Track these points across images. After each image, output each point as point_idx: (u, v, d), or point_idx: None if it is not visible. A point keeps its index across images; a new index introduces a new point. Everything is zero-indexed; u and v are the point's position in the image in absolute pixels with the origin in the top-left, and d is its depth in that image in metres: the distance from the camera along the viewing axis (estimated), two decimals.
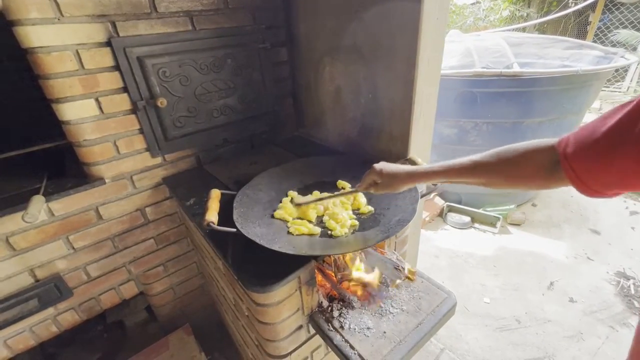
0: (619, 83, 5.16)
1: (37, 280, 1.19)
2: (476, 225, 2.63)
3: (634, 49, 4.61)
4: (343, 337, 0.89)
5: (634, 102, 0.45)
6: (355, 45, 1.20)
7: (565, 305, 1.90)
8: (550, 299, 1.94)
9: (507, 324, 1.81)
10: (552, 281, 2.05)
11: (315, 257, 0.89)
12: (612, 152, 0.47)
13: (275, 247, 0.80)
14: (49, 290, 1.21)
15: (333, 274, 1.02)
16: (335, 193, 1.01)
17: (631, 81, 4.94)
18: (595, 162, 0.49)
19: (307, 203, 1.01)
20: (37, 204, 0.99)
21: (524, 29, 5.15)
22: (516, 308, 1.90)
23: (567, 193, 2.97)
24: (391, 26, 1.04)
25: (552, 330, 1.75)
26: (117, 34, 1.09)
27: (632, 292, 1.93)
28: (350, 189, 0.97)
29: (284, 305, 0.88)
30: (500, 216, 2.54)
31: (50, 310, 1.25)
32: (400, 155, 1.17)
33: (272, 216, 1.01)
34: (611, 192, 0.51)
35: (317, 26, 1.36)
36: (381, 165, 0.85)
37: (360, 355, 0.84)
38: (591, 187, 0.51)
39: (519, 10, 5.61)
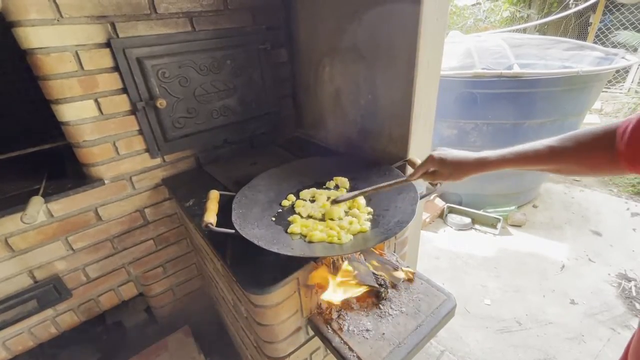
0: (620, 84, 5.15)
1: (36, 281, 1.19)
2: (477, 226, 2.62)
3: (635, 50, 4.60)
4: (342, 339, 0.89)
5: None
6: (355, 46, 1.19)
7: (566, 307, 1.89)
8: (551, 301, 1.93)
9: (507, 325, 1.80)
10: (553, 283, 2.04)
11: (314, 259, 0.89)
12: None
13: (274, 249, 0.79)
14: (48, 291, 1.21)
15: (332, 276, 1.01)
16: (380, 185, 0.92)
17: (632, 82, 4.93)
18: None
19: (347, 199, 0.96)
20: (36, 205, 0.99)
21: (524, 30, 5.14)
22: (517, 310, 1.89)
23: (568, 194, 2.96)
24: (391, 27, 1.04)
25: (553, 332, 1.74)
26: (117, 35, 1.09)
27: (634, 294, 1.92)
28: (399, 179, 0.89)
29: (283, 306, 0.88)
30: (501, 217, 2.53)
31: (49, 311, 1.25)
32: (400, 156, 1.17)
33: (276, 217, 1.01)
34: None
35: (317, 27, 1.36)
36: (441, 153, 0.79)
37: (359, 357, 0.84)
38: None
39: (519, 11, 5.61)
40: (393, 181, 0.91)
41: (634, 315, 1.80)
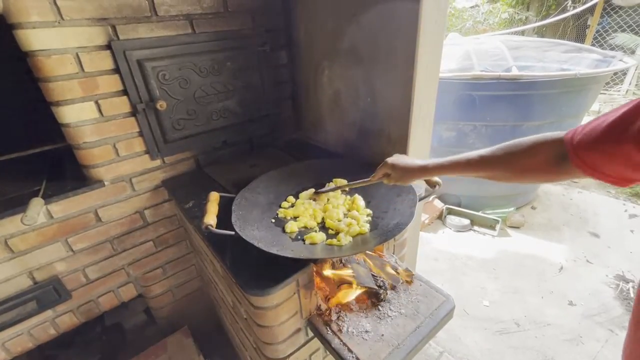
0: (618, 86, 5.18)
1: (35, 283, 1.19)
2: (475, 227, 2.62)
3: (633, 53, 4.63)
4: (341, 340, 0.89)
5: (636, 101, 0.48)
6: (354, 49, 1.20)
7: (564, 309, 1.89)
8: (549, 302, 1.94)
9: (506, 327, 1.81)
10: (551, 284, 2.05)
11: (314, 261, 0.89)
12: (614, 144, 0.50)
13: (274, 251, 0.80)
14: (48, 292, 1.21)
15: (331, 277, 1.02)
16: (352, 183, 1.04)
17: (630, 84, 4.95)
18: (602, 151, 0.52)
19: (327, 191, 1.08)
20: (36, 206, 0.99)
21: (523, 32, 5.17)
22: (515, 311, 1.89)
23: (567, 196, 2.97)
24: (390, 30, 1.04)
25: (552, 334, 1.75)
26: (117, 37, 1.10)
27: (632, 295, 1.93)
28: (364, 180, 1.00)
29: (282, 308, 0.88)
30: (500, 219, 2.54)
31: (49, 313, 1.25)
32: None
33: (276, 219, 1.02)
34: (622, 179, 0.53)
35: (316, 29, 1.36)
36: (394, 159, 0.89)
37: (358, 359, 0.84)
38: (603, 172, 0.53)
39: (518, 13, 5.64)
40: (361, 181, 1.01)
41: None
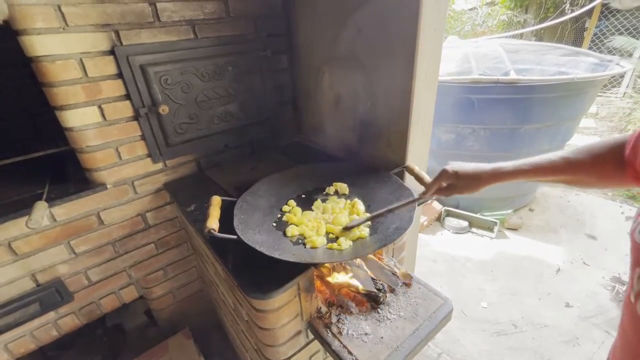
0: (615, 88, 5.22)
1: (38, 285, 1.20)
2: (474, 229, 2.65)
3: (630, 55, 4.67)
4: (341, 343, 0.90)
5: None
6: (354, 55, 1.22)
7: (561, 310, 1.91)
8: (546, 304, 1.96)
9: (504, 328, 1.83)
10: (549, 286, 2.07)
11: (315, 265, 0.91)
12: None
13: (275, 255, 0.81)
14: (50, 294, 1.22)
15: (332, 281, 1.04)
16: (392, 206, 0.92)
17: (627, 87, 4.99)
18: None
19: (359, 225, 0.95)
20: (41, 209, 1.01)
21: (521, 35, 5.20)
22: (513, 313, 1.91)
23: (564, 198, 3.00)
24: (390, 37, 1.06)
25: (549, 335, 1.77)
26: (121, 42, 1.11)
27: None
28: (409, 200, 0.88)
29: (284, 311, 0.90)
30: (498, 221, 2.56)
31: (51, 315, 1.26)
32: (398, 162, 1.19)
33: (277, 223, 1.03)
34: None
35: (317, 35, 1.38)
36: (455, 167, 0.79)
37: None
38: None
39: (516, 15, 5.67)
40: (404, 201, 0.90)
41: None
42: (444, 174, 0.80)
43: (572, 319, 1.85)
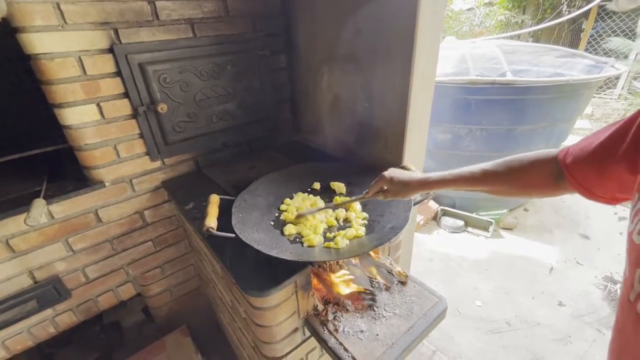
0: (610, 90, 5.27)
1: (36, 282, 1.20)
2: (469, 229, 2.67)
3: (626, 57, 4.71)
4: (337, 340, 0.92)
5: (625, 118, 0.50)
6: (353, 55, 1.23)
7: (554, 309, 1.94)
8: (540, 303, 1.99)
9: (497, 326, 1.85)
10: (542, 285, 2.10)
11: (312, 263, 0.92)
12: (604, 164, 0.52)
13: (273, 253, 0.82)
14: (48, 291, 1.23)
15: (328, 279, 1.05)
16: (340, 202, 1.04)
17: (622, 88, 5.04)
18: (592, 172, 0.55)
19: (309, 213, 1.03)
20: (39, 207, 1.01)
21: (518, 36, 5.23)
22: (507, 311, 1.94)
23: (559, 199, 3.03)
24: (388, 39, 1.07)
25: (541, 333, 1.80)
26: (120, 40, 1.11)
27: (619, 296, 1.98)
28: (356, 197, 0.98)
29: (281, 308, 0.91)
30: (493, 220, 2.59)
31: (49, 312, 1.27)
32: (395, 162, 1.20)
33: (274, 221, 1.04)
34: (612, 199, 0.56)
35: (315, 35, 1.39)
36: (391, 173, 0.86)
37: (353, 358, 0.87)
38: (594, 193, 0.57)
39: (514, 16, 5.70)
40: (351, 198, 1.02)
41: None
42: (381, 178, 0.88)
43: (564, 318, 1.88)
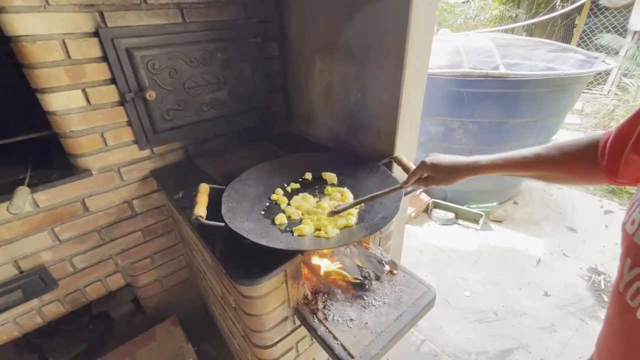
0: (601, 86, 5.34)
1: (21, 272, 1.18)
2: (460, 221, 2.70)
3: (616, 53, 4.77)
4: (327, 328, 0.93)
5: None
6: (346, 45, 1.21)
7: (540, 299, 1.99)
8: (526, 293, 2.03)
9: (485, 316, 1.89)
10: (529, 276, 2.15)
11: (302, 252, 0.92)
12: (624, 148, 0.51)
13: (263, 242, 0.82)
14: (34, 281, 1.21)
15: (318, 268, 1.05)
16: (375, 193, 0.94)
17: (612, 84, 5.11)
18: (619, 158, 0.53)
19: (344, 210, 0.97)
20: (22, 195, 0.98)
21: (512, 30, 5.24)
22: (495, 301, 1.98)
23: (547, 192, 3.08)
24: (381, 28, 1.06)
25: (527, 323, 1.84)
26: (105, 24, 1.08)
27: (602, 286, 2.04)
28: (393, 187, 0.90)
29: (271, 297, 0.91)
30: (483, 213, 2.62)
31: (35, 302, 1.25)
32: (387, 153, 1.20)
33: (265, 211, 1.04)
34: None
35: (308, 23, 1.37)
36: (434, 159, 0.80)
37: (342, 345, 0.88)
38: (619, 179, 0.55)
39: (508, 10, 5.70)
40: (387, 189, 0.93)
41: (601, 307, 1.92)
42: (422, 165, 0.81)
43: (549, 308, 1.93)
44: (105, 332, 1.62)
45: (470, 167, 0.76)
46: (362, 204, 1.01)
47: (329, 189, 1.12)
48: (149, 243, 1.48)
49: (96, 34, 1.06)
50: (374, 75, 1.16)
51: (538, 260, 2.29)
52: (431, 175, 0.80)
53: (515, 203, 2.95)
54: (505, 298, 2.00)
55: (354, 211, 1.01)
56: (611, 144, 0.55)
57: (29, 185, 1.07)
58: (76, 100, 1.10)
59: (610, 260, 2.25)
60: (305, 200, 1.07)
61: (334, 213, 0.97)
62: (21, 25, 0.95)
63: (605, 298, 1.96)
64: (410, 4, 0.94)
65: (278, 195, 1.10)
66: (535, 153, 0.68)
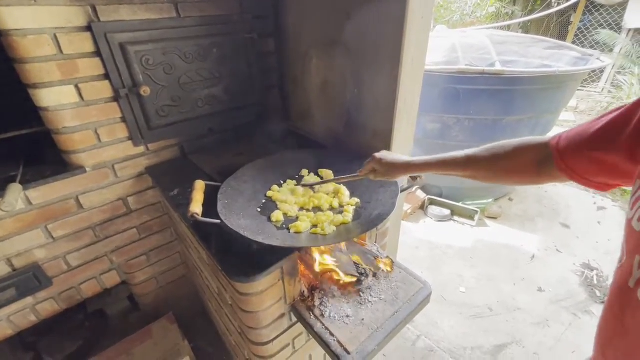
0: (595, 83, 5.38)
1: (14, 270, 1.17)
2: (455, 218, 2.72)
3: (611, 50, 4.80)
4: (323, 325, 0.93)
5: (626, 107, 0.49)
6: (342, 41, 1.20)
7: (534, 295, 2.01)
8: (520, 289, 2.05)
9: (480, 312, 1.91)
10: (523, 272, 2.17)
11: (299, 249, 0.92)
12: (602, 152, 0.52)
13: (259, 239, 0.82)
14: (28, 279, 1.20)
15: (315, 265, 1.05)
16: (340, 177, 1.05)
17: (606, 82, 5.15)
18: (588, 158, 0.54)
19: (315, 184, 1.10)
20: (15, 192, 0.97)
21: (508, 27, 5.25)
22: (489, 297, 2.00)
23: (542, 189, 3.11)
24: (377, 24, 1.05)
25: (521, 318, 1.87)
26: (98, 18, 1.06)
27: (595, 282, 2.07)
28: (352, 175, 1.02)
29: (267, 294, 0.91)
30: (479, 209, 2.64)
31: (29, 300, 1.24)
32: (384, 150, 1.20)
33: (261, 208, 1.03)
34: (605, 185, 0.56)
35: (305, 18, 1.35)
36: (381, 155, 0.90)
37: (339, 342, 0.88)
38: (587, 178, 0.57)
39: (504, 7, 5.71)
40: (349, 176, 1.02)
41: (594, 302, 1.95)
42: (372, 159, 0.92)
43: (543, 303, 1.95)
44: (101, 329, 1.61)
45: (406, 164, 0.85)
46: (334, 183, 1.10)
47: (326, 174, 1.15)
48: (144, 240, 1.47)
49: (89, 28, 1.05)
50: (371, 71, 1.15)
51: (532, 256, 2.32)
52: (378, 168, 0.90)
53: (510, 200, 2.97)
54: (500, 294, 2.02)
55: (350, 208, 1.01)
56: (572, 141, 0.57)
57: (21, 183, 1.06)
58: (69, 96, 1.08)
59: (602, 256, 2.28)
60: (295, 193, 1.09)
61: (305, 185, 1.10)
62: (11, 18, 0.93)
63: (598, 293, 1.99)
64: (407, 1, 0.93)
65: (274, 192, 1.09)
66: (466, 154, 0.73)
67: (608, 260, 2.24)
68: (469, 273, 2.18)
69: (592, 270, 2.16)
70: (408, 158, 0.87)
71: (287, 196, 1.06)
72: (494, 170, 0.70)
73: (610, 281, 2.05)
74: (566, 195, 3.01)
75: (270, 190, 1.11)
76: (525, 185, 3.05)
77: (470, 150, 0.73)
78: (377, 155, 0.91)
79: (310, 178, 1.17)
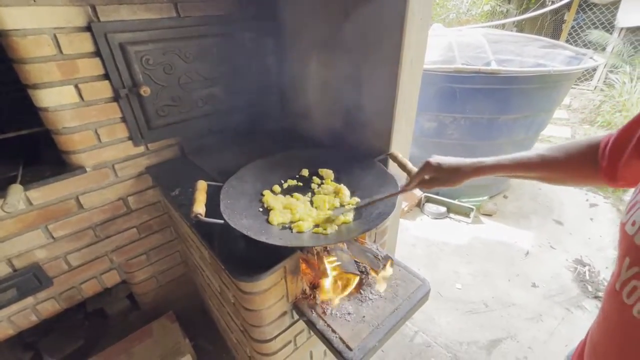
0: (587, 82, 5.45)
1: (15, 270, 1.17)
2: (452, 215, 2.75)
3: (603, 49, 4.86)
4: (325, 322, 0.95)
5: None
6: (342, 41, 1.21)
7: (528, 290, 2.06)
8: (515, 285, 2.10)
9: (476, 307, 1.95)
10: (518, 268, 2.21)
11: (301, 248, 0.93)
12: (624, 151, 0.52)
13: (263, 239, 0.83)
14: (28, 279, 1.20)
15: (316, 263, 1.07)
16: (376, 197, 0.96)
17: (598, 80, 5.21)
18: (619, 161, 0.54)
19: (364, 205, 0.99)
20: (16, 193, 0.97)
21: (503, 26, 5.29)
22: (485, 293, 2.04)
23: (536, 186, 3.15)
24: (377, 25, 1.06)
25: (516, 313, 1.91)
26: (98, 18, 1.06)
27: (587, 277, 2.12)
28: (394, 192, 0.91)
29: (270, 292, 0.92)
30: (474, 207, 2.67)
31: (30, 300, 1.24)
32: (383, 149, 1.22)
33: (263, 208, 1.04)
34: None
35: (305, 19, 1.36)
36: (437, 160, 0.79)
37: (341, 339, 0.90)
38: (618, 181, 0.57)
39: (499, 5, 5.74)
40: (389, 194, 0.94)
41: (586, 297, 2.00)
42: (427, 166, 0.80)
43: (537, 298, 2.00)
44: (101, 329, 1.61)
45: (476, 167, 0.75)
46: (364, 207, 1.01)
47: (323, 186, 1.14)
48: (145, 240, 1.48)
49: (88, 28, 1.04)
50: (370, 71, 1.16)
51: (526, 252, 2.36)
52: (435, 176, 0.79)
53: (505, 197, 3.01)
54: (495, 290, 2.06)
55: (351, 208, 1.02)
56: (611, 146, 0.57)
57: (21, 183, 1.06)
58: (69, 96, 1.08)
59: (594, 252, 2.33)
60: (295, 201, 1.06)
61: (357, 208, 0.99)
62: (10, 18, 0.92)
63: (590, 288, 2.04)
64: (407, 1, 0.95)
65: (267, 198, 1.07)
66: (539, 154, 0.69)
67: (600, 256, 2.29)
68: (465, 270, 2.22)
69: (585, 266, 2.20)
70: (474, 161, 0.76)
71: (277, 203, 1.03)
72: (570, 172, 0.67)
73: (601, 276, 2.10)
74: (560, 192, 3.06)
75: (270, 190, 1.12)
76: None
77: (542, 151, 0.69)
78: (433, 160, 0.79)
79: (313, 179, 1.15)
